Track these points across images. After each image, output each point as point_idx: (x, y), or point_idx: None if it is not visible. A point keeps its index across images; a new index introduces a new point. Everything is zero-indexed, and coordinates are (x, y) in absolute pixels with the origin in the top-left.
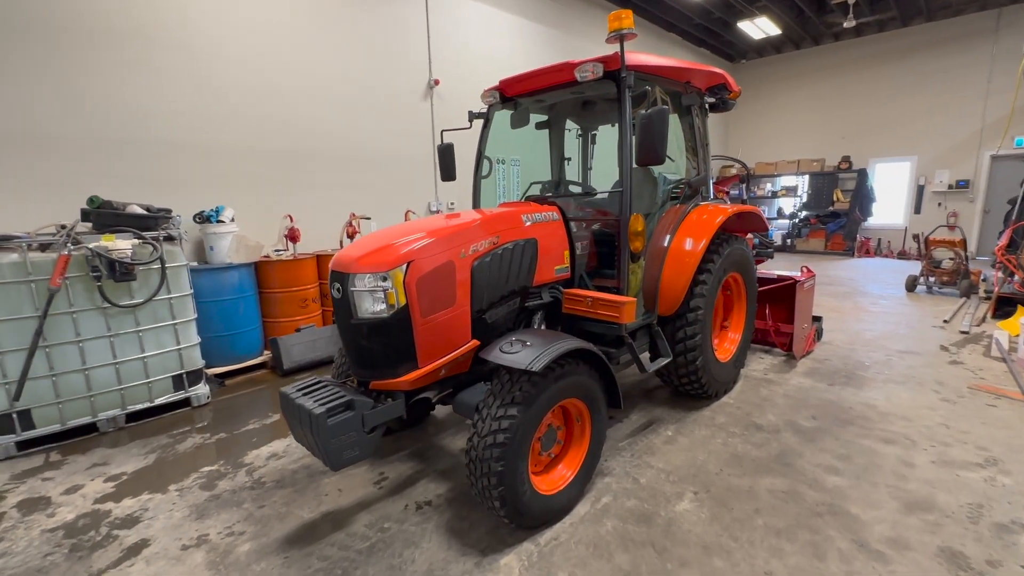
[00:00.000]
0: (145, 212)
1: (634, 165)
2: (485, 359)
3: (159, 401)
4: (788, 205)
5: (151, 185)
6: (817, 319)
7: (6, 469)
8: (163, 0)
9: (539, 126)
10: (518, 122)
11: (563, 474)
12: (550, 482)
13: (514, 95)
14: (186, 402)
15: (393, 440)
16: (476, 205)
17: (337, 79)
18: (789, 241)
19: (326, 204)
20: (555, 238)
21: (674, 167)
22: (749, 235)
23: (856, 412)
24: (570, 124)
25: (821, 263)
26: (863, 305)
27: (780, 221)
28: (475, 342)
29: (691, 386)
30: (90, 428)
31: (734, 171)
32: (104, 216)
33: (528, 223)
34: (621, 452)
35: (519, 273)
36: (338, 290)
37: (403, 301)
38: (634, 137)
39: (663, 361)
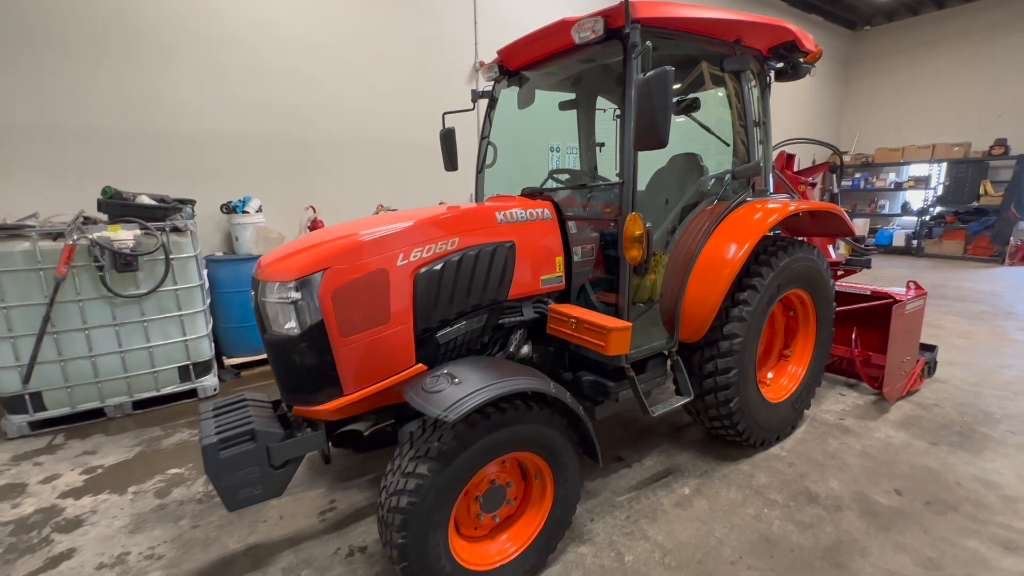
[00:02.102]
0: (155, 203)
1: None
2: None
3: (165, 391)
4: (917, 199)
5: (184, 176)
6: (929, 349)
7: (14, 448)
8: None
9: (563, 106)
10: (524, 100)
11: (504, 548)
12: (484, 556)
13: (518, 68)
14: (193, 392)
15: (363, 460)
16: (479, 199)
17: (372, 64)
18: (916, 242)
19: (357, 195)
20: (543, 241)
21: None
22: (845, 240)
23: (965, 491)
24: (606, 103)
25: (957, 271)
26: (1006, 331)
27: (905, 218)
28: (420, 367)
29: (724, 431)
30: (100, 412)
31: (848, 158)
32: (113, 207)
33: (504, 222)
34: (616, 511)
35: (486, 284)
36: (253, 298)
37: (317, 316)
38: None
39: (677, 403)
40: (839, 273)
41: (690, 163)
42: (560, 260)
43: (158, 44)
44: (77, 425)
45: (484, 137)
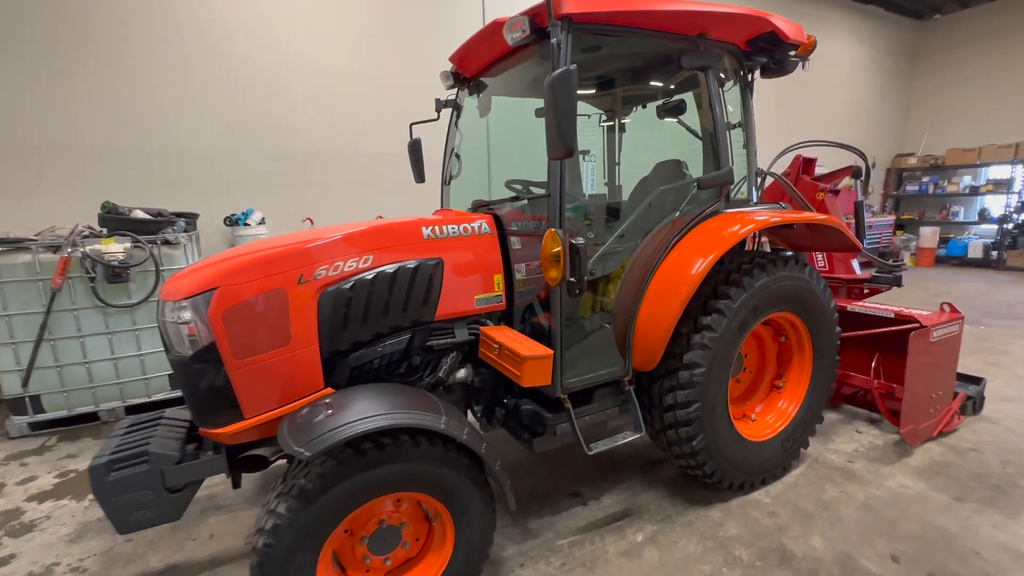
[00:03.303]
0: (149, 217)
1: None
2: None
3: (156, 397)
4: (997, 205)
5: (192, 190)
6: (974, 381)
7: (10, 448)
8: (193, 11)
9: (540, 113)
10: (483, 108)
11: None
12: None
13: (475, 75)
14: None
15: None
16: None
17: (375, 77)
18: (996, 254)
19: (359, 206)
20: (479, 257)
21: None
22: (870, 255)
23: (985, 563)
24: (591, 109)
25: None
26: None
27: (983, 226)
28: (328, 391)
29: (692, 471)
30: (94, 416)
31: (914, 160)
32: (110, 221)
33: (430, 238)
34: (552, 556)
35: (406, 304)
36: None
37: (209, 337)
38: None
39: (621, 439)
40: (865, 292)
41: (675, 171)
42: (500, 278)
43: (168, 65)
44: (73, 428)
45: (449, 147)
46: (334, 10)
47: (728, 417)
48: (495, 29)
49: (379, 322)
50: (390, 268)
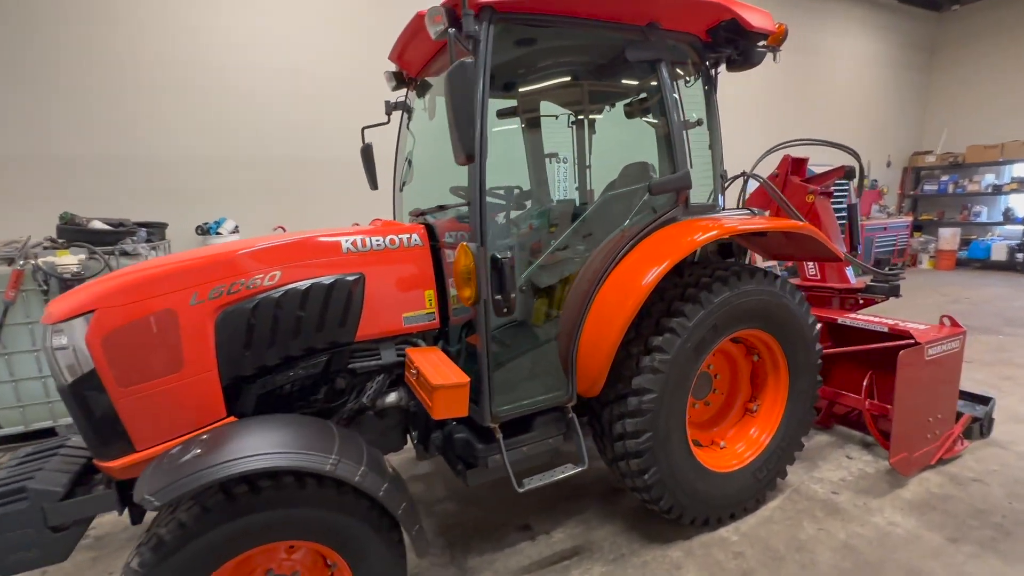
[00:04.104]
0: (107, 227)
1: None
2: None
3: None
4: (1022, 204)
5: (165, 199)
6: (981, 402)
7: None
8: (164, 19)
9: (501, 114)
10: (430, 111)
11: None
12: None
13: (417, 74)
14: None
15: None
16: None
17: (349, 83)
18: (1021, 256)
19: (336, 214)
20: (407, 272)
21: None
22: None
23: None
24: (559, 109)
25: None
26: None
27: (1008, 227)
28: (231, 419)
29: (648, 504)
30: (52, 432)
31: (932, 158)
32: (68, 232)
33: (350, 251)
34: None
35: (321, 324)
36: None
37: (88, 364)
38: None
39: (559, 475)
40: (859, 302)
41: (642, 174)
42: (431, 294)
43: (139, 73)
44: (28, 444)
45: (400, 152)
46: (306, 16)
47: (687, 447)
48: (418, 23)
49: (289, 344)
50: (302, 285)
